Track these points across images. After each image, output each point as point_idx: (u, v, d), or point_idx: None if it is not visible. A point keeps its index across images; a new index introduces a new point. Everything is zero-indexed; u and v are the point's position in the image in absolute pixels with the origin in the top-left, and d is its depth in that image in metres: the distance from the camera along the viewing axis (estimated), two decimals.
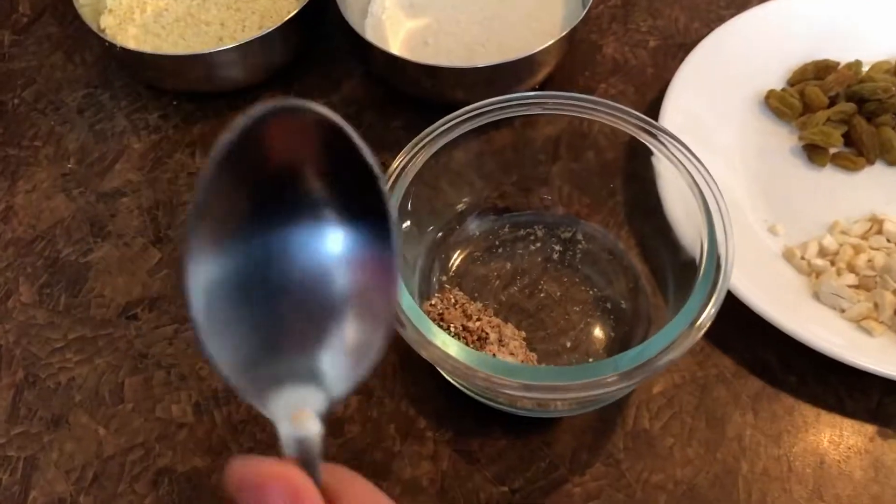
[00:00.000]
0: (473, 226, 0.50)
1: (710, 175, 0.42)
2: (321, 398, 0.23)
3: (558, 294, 0.47)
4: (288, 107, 0.21)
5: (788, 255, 0.48)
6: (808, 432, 0.43)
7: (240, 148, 0.21)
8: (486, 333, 0.44)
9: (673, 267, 0.45)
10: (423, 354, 0.37)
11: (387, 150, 0.54)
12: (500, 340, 0.44)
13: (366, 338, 0.24)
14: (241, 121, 0.21)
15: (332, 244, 0.24)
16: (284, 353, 0.24)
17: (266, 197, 0.23)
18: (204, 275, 0.22)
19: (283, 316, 0.24)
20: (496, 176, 0.50)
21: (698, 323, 0.37)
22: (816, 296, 0.46)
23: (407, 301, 0.38)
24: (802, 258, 0.47)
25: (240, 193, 0.22)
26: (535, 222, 0.50)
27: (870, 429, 0.43)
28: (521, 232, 0.50)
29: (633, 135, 0.44)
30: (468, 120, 0.45)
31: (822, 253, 0.48)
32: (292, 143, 0.22)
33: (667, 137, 0.43)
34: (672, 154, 0.43)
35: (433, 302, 0.45)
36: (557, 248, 0.49)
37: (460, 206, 0.49)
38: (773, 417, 0.44)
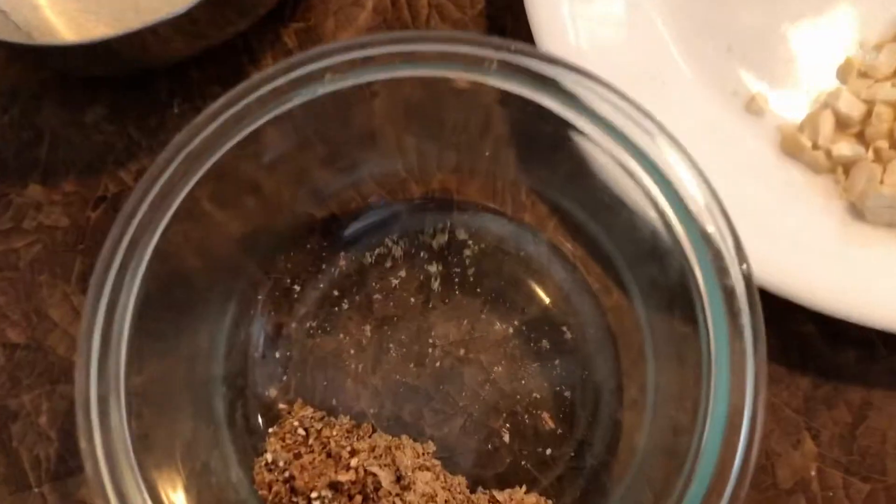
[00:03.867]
0: (289, 275, 0.29)
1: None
2: None
3: (462, 352, 0.28)
4: None
5: (790, 146, 0.29)
6: None
7: None
8: (375, 475, 0.26)
9: (623, 246, 0.27)
10: None
11: (91, 170, 0.32)
12: (400, 478, 0.26)
13: None
14: None
15: None
16: None
17: None
18: None
19: None
20: (295, 158, 0.28)
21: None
22: (858, 211, 0.28)
23: None
24: (815, 147, 0.29)
25: None
26: (383, 231, 0.29)
27: None
28: (367, 258, 0.29)
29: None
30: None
31: (842, 125, 0.29)
32: None
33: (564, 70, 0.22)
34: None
35: (269, 458, 0.26)
36: (434, 267, 0.29)
37: (255, 246, 0.29)
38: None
